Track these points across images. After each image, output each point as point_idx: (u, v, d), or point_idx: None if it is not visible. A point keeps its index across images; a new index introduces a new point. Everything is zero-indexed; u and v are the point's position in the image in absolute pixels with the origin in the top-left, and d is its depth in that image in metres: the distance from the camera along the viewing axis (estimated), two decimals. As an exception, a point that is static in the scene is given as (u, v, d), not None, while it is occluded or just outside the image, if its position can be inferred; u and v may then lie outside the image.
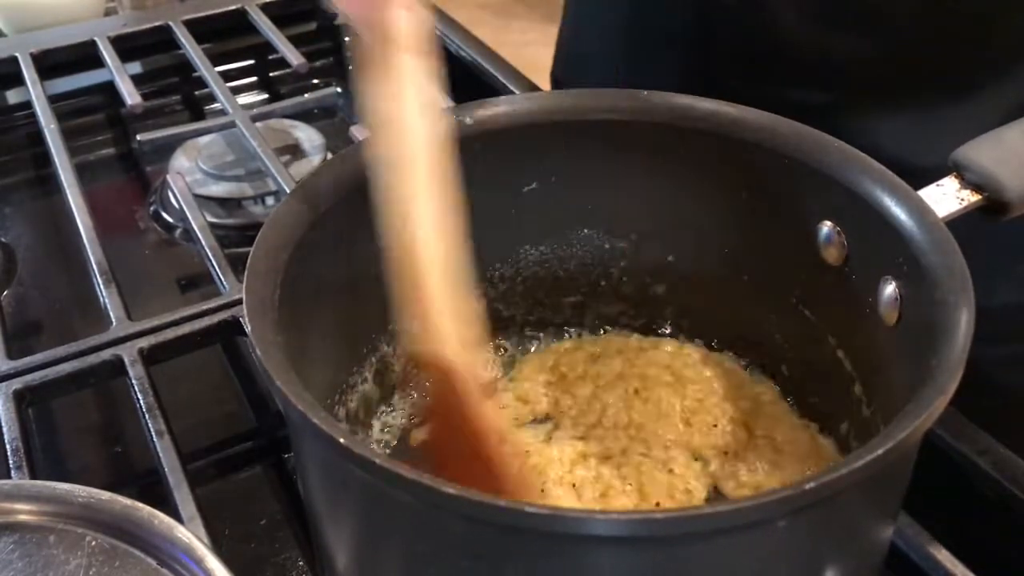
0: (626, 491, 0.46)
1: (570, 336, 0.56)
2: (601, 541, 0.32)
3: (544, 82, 0.83)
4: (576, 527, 0.31)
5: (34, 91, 0.80)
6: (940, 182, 0.43)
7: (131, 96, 0.79)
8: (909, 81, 0.59)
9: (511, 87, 0.79)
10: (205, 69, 0.83)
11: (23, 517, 0.42)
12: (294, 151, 0.78)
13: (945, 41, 0.57)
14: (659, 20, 0.66)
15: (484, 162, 0.49)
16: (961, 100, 0.58)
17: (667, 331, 0.55)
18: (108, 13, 0.99)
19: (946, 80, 0.58)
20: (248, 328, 0.38)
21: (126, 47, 0.87)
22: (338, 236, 0.45)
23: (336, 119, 0.87)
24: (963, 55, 0.57)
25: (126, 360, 0.55)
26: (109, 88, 0.84)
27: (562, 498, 0.46)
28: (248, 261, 0.40)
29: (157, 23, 0.89)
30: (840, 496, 0.32)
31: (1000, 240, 0.53)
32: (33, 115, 0.78)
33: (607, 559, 0.33)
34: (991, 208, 0.43)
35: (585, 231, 0.52)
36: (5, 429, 0.51)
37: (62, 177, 0.70)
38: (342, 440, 0.33)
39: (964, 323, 0.36)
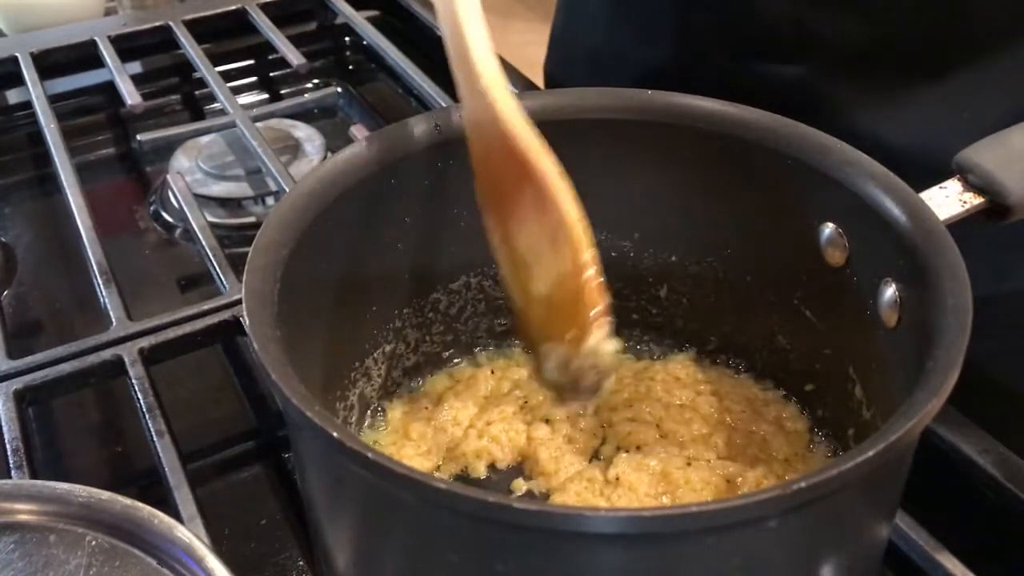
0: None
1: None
2: (593, 538, 0.32)
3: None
4: (567, 524, 0.31)
5: (34, 91, 0.80)
6: (943, 184, 0.44)
7: (131, 96, 0.79)
8: (886, 59, 0.59)
9: (511, 87, 0.79)
10: (205, 69, 0.83)
11: (23, 517, 0.41)
12: (294, 151, 0.78)
13: (922, 21, 0.57)
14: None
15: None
16: (939, 81, 0.58)
17: (669, 328, 0.55)
18: (108, 13, 0.99)
19: (923, 60, 0.58)
20: (246, 322, 0.37)
21: (126, 47, 0.87)
22: (339, 233, 0.45)
23: (336, 119, 0.87)
24: (940, 36, 0.57)
25: (126, 360, 0.55)
26: (109, 88, 0.84)
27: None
28: (248, 256, 0.40)
29: (157, 23, 0.89)
30: (832, 496, 0.32)
31: (1012, 227, 0.53)
32: (33, 115, 0.78)
33: (599, 556, 0.33)
34: (993, 211, 0.43)
35: (587, 231, 0.52)
36: (5, 429, 0.51)
37: (62, 177, 0.70)
38: (336, 434, 0.33)
39: (961, 326, 0.36)
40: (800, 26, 0.59)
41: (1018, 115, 0.47)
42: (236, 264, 0.60)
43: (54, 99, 0.81)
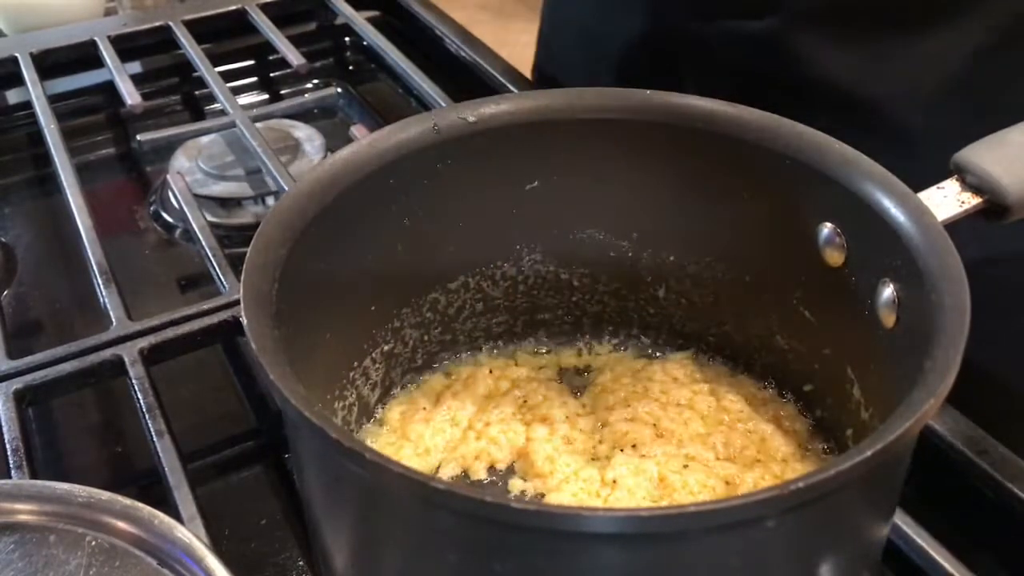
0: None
1: (567, 339, 0.56)
2: (591, 538, 0.32)
3: (544, 82, 0.83)
4: (565, 524, 0.31)
5: (34, 91, 0.80)
6: (941, 184, 0.44)
7: (131, 96, 0.79)
8: (857, 12, 0.59)
9: (511, 87, 0.79)
10: (205, 69, 0.83)
11: (23, 517, 0.42)
12: (294, 151, 0.78)
13: None
14: None
15: (486, 160, 0.49)
16: (910, 34, 0.58)
17: (667, 328, 0.55)
18: (108, 13, 0.99)
19: (894, 14, 0.58)
20: (244, 321, 0.37)
21: (126, 47, 0.87)
22: (338, 232, 0.45)
23: (336, 119, 0.87)
24: None
25: (126, 360, 0.55)
26: (109, 88, 0.84)
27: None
28: (247, 254, 0.40)
29: (157, 23, 0.89)
30: (830, 497, 0.32)
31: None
32: (33, 115, 0.78)
33: (597, 556, 0.33)
34: (992, 211, 0.44)
35: (586, 230, 0.52)
36: (5, 429, 0.51)
37: (62, 177, 0.70)
38: (334, 434, 0.33)
39: (959, 326, 0.36)
40: None
41: (983, 65, 0.45)
42: (236, 264, 0.60)
43: (54, 99, 0.81)
